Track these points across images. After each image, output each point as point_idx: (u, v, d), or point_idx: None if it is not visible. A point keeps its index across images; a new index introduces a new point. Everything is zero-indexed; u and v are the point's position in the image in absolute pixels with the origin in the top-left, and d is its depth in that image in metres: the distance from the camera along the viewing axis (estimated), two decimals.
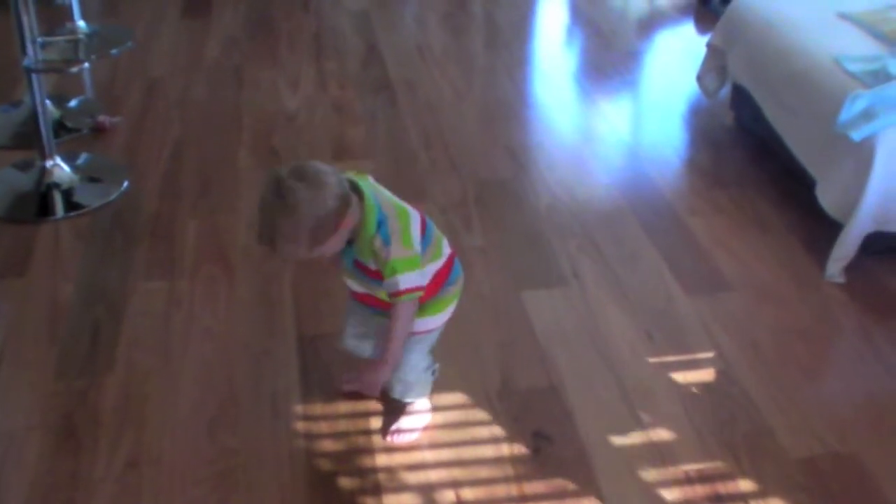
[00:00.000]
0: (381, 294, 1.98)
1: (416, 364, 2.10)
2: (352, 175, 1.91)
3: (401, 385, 2.13)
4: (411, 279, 1.89)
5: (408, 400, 2.17)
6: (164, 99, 3.83)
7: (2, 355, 2.40)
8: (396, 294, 1.89)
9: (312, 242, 1.80)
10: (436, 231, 2.02)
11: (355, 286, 2.04)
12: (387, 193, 1.94)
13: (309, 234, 1.78)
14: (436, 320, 2.06)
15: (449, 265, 2.05)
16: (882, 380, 2.41)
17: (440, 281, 2.02)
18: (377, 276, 1.92)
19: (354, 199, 1.85)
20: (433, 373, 2.17)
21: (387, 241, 1.85)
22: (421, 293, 1.93)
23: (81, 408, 2.23)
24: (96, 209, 3.04)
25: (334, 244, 1.85)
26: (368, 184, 1.92)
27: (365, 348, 2.18)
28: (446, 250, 2.04)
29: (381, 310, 2.02)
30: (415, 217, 1.94)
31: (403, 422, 2.18)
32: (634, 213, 3.10)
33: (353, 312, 2.16)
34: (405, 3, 5.11)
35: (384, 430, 2.18)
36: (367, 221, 1.86)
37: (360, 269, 1.95)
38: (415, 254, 1.90)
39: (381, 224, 1.86)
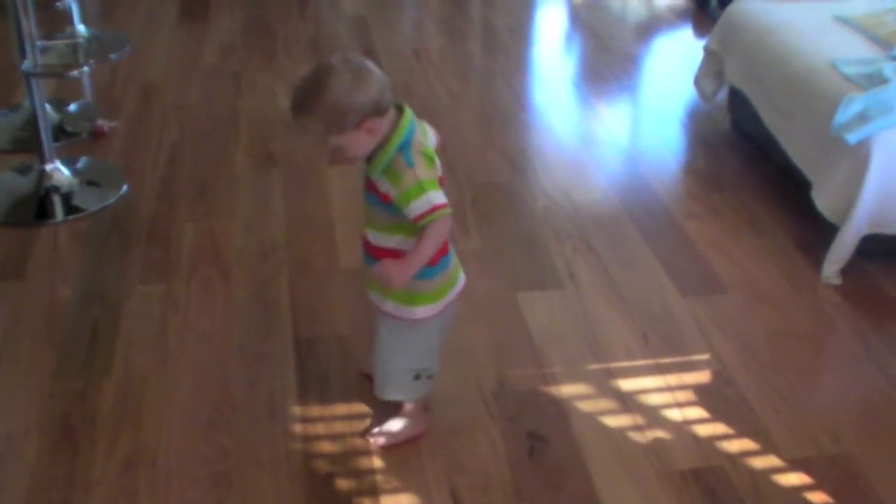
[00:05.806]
0: (379, 235, 1.95)
1: (399, 359, 2.07)
2: (402, 103, 1.91)
3: (379, 379, 2.12)
4: (440, 196, 1.86)
5: (385, 398, 2.14)
6: (161, 103, 3.84)
7: (0, 357, 2.41)
8: (432, 210, 1.84)
9: (330, 126, 1.82)
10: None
11: (366, 226, 2.00)
12: (424, 140, 1.93)
13: (326, 115, 1.80)
14: (425, 310, 2.01)
15: (445, 247, 2.01)
16: (877, 381, 2.42)
17: (435, 258, 1.97)
18: (384, 200, 1.88)
19: (393, 113, 1.86)
20: (417, 378, 2.10)
21: (410, 163, 1.84)
22: (450, 211, 1.88)
23: (79, 409, 2.24)
24: (95, 212, 3.05)
25: (356, 143, 1.84)
26: (413, 115, 1.91)
27: None
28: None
29: (373, 258, 1.97)
30: (438, 167, 1.92)
31: (388, 425, 2.16)
32: (631, 217, 3.11)
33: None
34: (402, 8, 5.13)
35: (368, 431, 2.18)
36: (394, 136, 1.85)
37: (369, 191, 1.92)
38: (436, 177, 1.89)
39: (405, 147, 1.86)
